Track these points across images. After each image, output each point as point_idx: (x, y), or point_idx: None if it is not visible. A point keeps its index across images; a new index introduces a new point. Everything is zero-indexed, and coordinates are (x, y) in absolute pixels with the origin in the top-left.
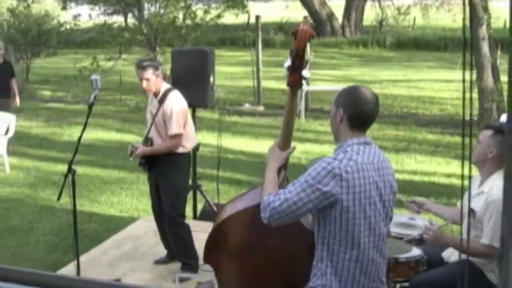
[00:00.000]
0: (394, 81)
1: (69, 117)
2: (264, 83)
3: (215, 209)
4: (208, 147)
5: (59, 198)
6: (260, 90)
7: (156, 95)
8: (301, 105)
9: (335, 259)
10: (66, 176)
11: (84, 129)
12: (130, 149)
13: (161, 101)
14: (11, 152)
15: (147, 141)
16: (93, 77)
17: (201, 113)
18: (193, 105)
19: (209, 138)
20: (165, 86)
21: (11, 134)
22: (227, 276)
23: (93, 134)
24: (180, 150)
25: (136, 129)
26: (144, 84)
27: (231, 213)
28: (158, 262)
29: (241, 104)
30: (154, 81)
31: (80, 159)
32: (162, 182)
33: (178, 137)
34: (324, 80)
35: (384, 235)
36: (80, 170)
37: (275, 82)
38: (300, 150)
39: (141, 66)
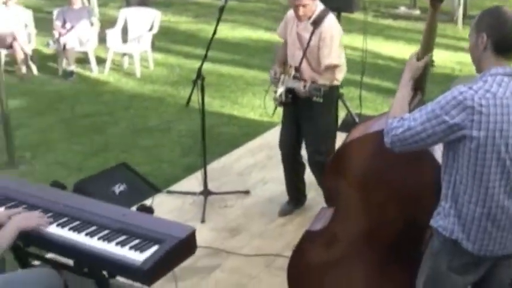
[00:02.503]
0: None
1: (217, 13)
2: None
3: (357, 119)
4: (357, 51)
5: (187, 103)
6: None
7: (309, 16)
8: (459, 11)
9: (460, 201)
10: (195, 81)
11: (215, 31)
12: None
13: (316, 24)
14: (156, 48)
15: (295, 70)
16: None
17: (355, 14)
18: (338, 10)
19: (359, 42)
20: (320, 5)
21: (155, 30)
22: (346, 205)
23: (241, 32)
24: (334, 82)
25: None
26: (301, 11)
27: (360, 135)
28: (283, 213)
29: (396, 7)
30: (312, 4)
31: (225, 58)
32: (307, 121)
33: (335, 68)
34: None
35: None
36: (224, 69)
37: None
38: (454, 61)
39: None
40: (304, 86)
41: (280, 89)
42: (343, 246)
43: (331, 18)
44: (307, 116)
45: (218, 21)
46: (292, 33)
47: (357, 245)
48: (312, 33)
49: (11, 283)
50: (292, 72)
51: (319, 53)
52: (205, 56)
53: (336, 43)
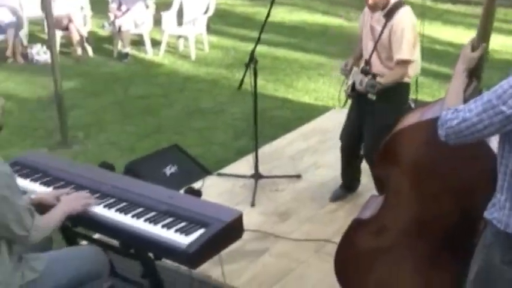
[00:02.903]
0: None
1: None
2: None
3: (413, 105)
4: None
5: (239, 87)
6: None
7: (383, 7)
8: None
9: None
10: (247, 65)
11: (268, 14)
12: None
13: (388, 16)
14: (212, 31)
15: (365, 63)
16: None
17: None
18: None
19: (417, 26)
20: None
21: (210, 12)
22: (397, 193)
23: (297, 16)
24: (405, 79)
25: (344, 12)
26: (371, 0)
27: (413, 122)
28: (335, 198)
29: None
30: None
31: (281, 41)
32: (367, 116)
33: (407, 63)
34: None
35: None
36: (279, 52)
37: None
38: None
39: None
40: (361, 81)
41: (350, 81)
42: (393, 236)
43: (404, 11)
44: (368, 111)
45: (272, 3)
46: (367, 25)
47: (407, 235)
48: (384, 26)
49: (56, 260)
50: (362, 64)
51: (390, 46)
52: (259, 38)
53: (408, 37)
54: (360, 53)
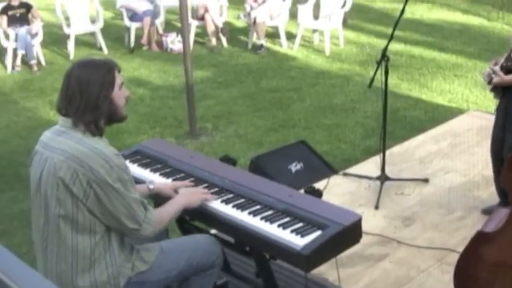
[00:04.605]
0: None
1: None
2: None
3: None
4: None
5: (370, 84)
6: None
7: None
8: None
9: None
10: (379, 63)
11: (402, 11)
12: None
13: None
14: (348, 26)
15: (506, 61)
16: None
17: None
18: None
19: None
20: None
21: (347, 7)
22: None
23: (436, 14)
24: None
25: (484, 11)
26: None
27: None
28: (486, 211)
29: None
30: None
31: (418, 40)
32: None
33: None
34: None
35: None
36: (415, 51)
37: None
38: None
39: None
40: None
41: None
42: None
43: None
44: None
45: (406, 0)
46: None
47: None
48: None
49: (168, 251)
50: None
51: None
52: (392, 36)
53: None
54: None
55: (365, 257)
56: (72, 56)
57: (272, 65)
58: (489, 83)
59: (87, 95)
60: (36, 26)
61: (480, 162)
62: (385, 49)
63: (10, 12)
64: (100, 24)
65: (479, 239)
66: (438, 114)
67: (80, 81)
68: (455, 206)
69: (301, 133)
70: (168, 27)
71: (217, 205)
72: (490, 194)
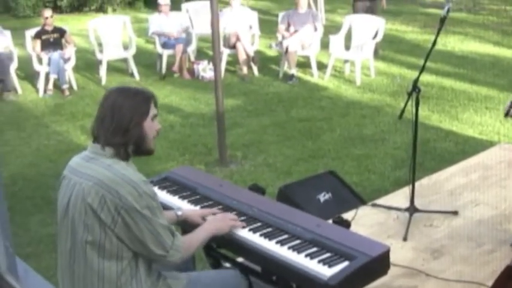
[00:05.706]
0: None
1: (448, 24)
2: None
3: None
4: None
5: (401, 116)
6: None
7: None
8: None
9: None
10: (410, 94)
11: (434, 43)
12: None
13: None
14: (379, 57)
15: None
16: None
17: None
18: None
19: None
20: None
21: (379, 38)
22: None
23: (468, 45)
24: None
25: None
26: None
27: None
28: None
29: None
30: None
31: (449, 71)
32: None
33: None
34: None
35: None
36: (446, 82)
37: None
38: None
39: None
40: None
41: None
42: None
43: None
44: None
45: (438, 32)
46: None
47: None
48: None
49: (196, 282)
50: None
51: None
52: (423, 67)
53: None
54: None
55: None
56: (104, 82)
57: (303, 94)
58: (506, 114)
59: (119, 117)
60: (69, 51)
61: (511, 196)
62: (416, 80)
63: (44, 37)
64: (133, 50)
65: (509, 274)
66: (469, 147)
67: (114, 104)
68: (485, 239)
69: (331, 163)
70: (200, 55)
71: (245, 233)
72: None
